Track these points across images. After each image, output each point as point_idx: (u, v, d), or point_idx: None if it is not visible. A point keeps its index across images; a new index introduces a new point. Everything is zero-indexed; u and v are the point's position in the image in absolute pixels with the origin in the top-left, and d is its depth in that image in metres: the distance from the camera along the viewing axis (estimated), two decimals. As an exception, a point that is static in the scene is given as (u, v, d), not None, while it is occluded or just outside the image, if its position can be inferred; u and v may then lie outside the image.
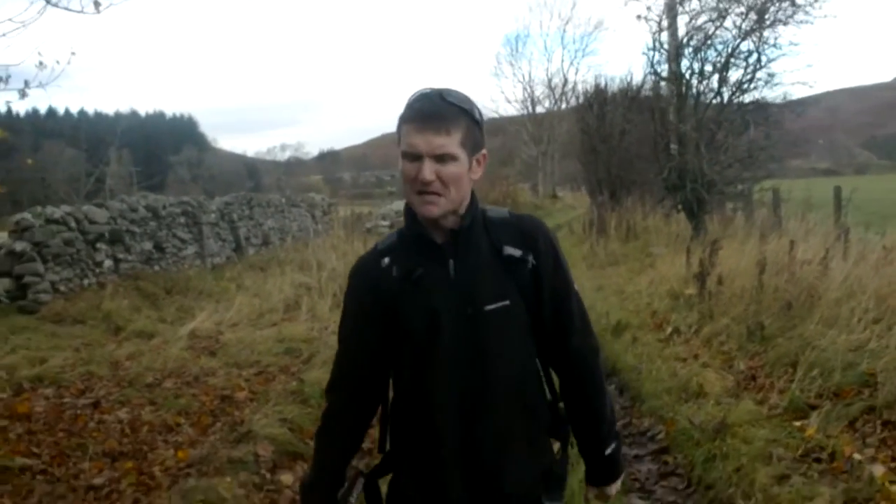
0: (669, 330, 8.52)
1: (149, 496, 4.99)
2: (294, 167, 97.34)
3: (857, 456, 4.56)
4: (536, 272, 2.10)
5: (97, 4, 5.82)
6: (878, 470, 4.32)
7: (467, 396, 2.06)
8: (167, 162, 71.53)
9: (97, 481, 5.22)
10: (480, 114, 2.09)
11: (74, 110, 77.29)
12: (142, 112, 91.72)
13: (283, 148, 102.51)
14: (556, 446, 2.33)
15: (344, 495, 2.23)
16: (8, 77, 5.94)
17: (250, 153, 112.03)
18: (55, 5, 5.71)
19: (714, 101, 14.12)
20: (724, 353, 7.35)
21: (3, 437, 5.90)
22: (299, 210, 20.76)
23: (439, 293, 2.06)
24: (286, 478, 5.51)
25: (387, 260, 2.13)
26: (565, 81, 60.85)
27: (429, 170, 1.95)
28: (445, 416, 2.07)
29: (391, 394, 2.25)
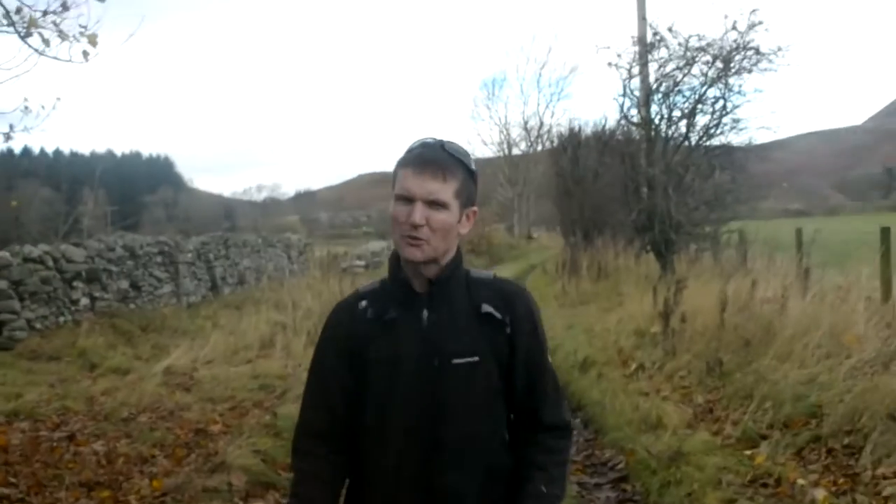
0: (634, 366, 8.78)
1: (123, 524, 5.15)
2: (270, 207, 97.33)
3: (801, 481, 4.82)
4: (512, 336, 2.07)
5: (86, 54, 6.06)
6: (820, 493, 4.58)
7: (426, 448, 2.04)
8: (143, 202, 71.57)
9: (77, 507, 5.39)
10: (475, 170, 2.11)
11: (50, 150, 77.06)
12: (118, 152, 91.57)
13: (260, 189, 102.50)
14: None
15: None
16: None
17: (227, 193, 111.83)
18: (42, 54, 5.94)
19: (682, 146, 14.53)
20: (684, 387, 7.62)
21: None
22: (275, 250, 20.98)
23: (408, 340, 2.05)
24: (257, 505, 5.69)
25: (364, 303, 2.13)
26: (541, 124, 61.71)
27: (419, 213, 1.97)
28: (401, 465, 2.05)
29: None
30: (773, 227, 16.48)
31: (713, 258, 15.23)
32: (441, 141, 2.07)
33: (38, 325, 11.70)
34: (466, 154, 2.09)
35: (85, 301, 12.75)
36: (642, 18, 15.07)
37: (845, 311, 7.91)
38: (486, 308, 2.05)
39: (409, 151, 2.06)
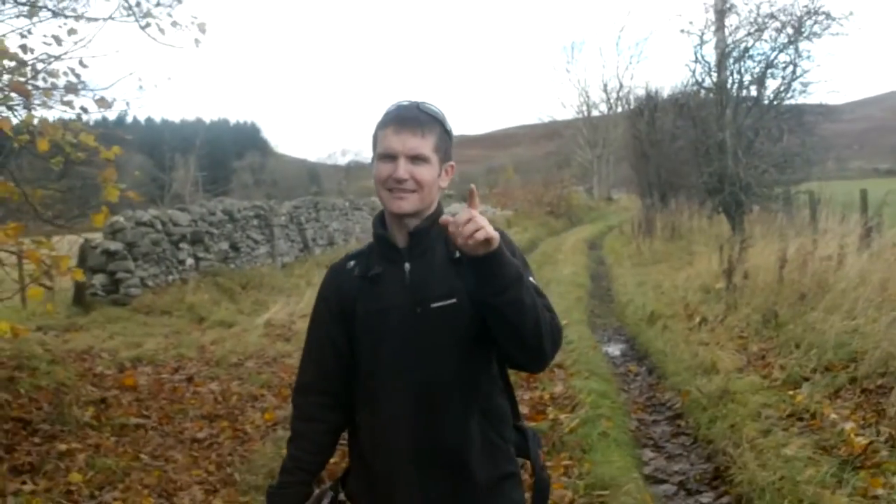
0: (697, 319, 9.38)
1: (243, 446, 6.07)
2: (354, 171, 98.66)
3: (833, 415, 5.45)
4: None
5: (197, 42, 6.92)
6: (848, 425, 5.21)
7: (419, 396, 2.09)
8: (231, 167, 73.60)
9: (200, 435, 6.33)
10: (450, 129, 2.20)
11: (142, 118, 79.75)
12: (206, 120, 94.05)
13: (344, 153, 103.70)
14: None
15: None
16: (113, 100, 6.89)
17: (311, 158, 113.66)
18: (157, 41, 6.81)
19: (752, 110, 14.88)
20: (741, 337, 8.22)
21: (118, 403, 7.01)
22: (362, 213, 21.94)
23: (392, 293, 2.12)
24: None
25: (352, 262, 2.24)
26: (620, 86, 61.26)
27: (403, 168, 2.05)
28: (397, 414, 2.10)
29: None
30: (854, 186, 16.67)
31: (785, 218, 15.58)
32: (416, 102, 2.16)
33: (149, 283, 12.82)
34: (441, 113, 2.18)
35: (190, 261, 13.85)
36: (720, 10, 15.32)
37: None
38: (459, 254, 2.02)
39: (387, 113, 2.15)
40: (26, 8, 6.71)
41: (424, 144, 2.08)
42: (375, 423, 2.15)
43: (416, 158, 2.06)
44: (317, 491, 2.24)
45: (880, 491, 4.15)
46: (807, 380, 6.30)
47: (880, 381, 5.81)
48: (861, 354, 6.27)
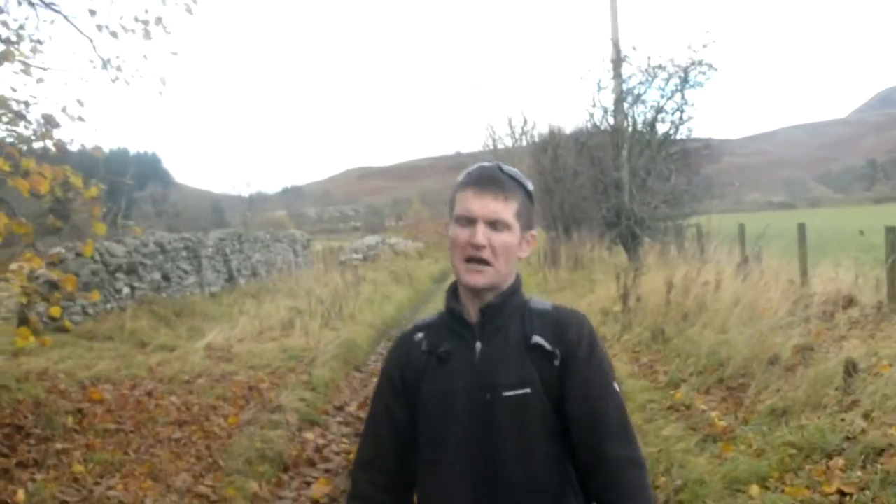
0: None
1: (216, 442, 7.08)
2: (258, 202, 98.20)
3: (703, 407, 6.81)
4: (563, 367, 1.95)
5: (161, 94, 7.96)
6: (714, 414, 6.56)
7: (481, 491, 1.95)
8: (132, 198, 73.09)
9: (175, 436, 7.30)
10: (532, 193, 2.08)
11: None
12: (105, 149, 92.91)
13: (248, 184, 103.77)
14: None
15: None
16: (71, 140, 7.65)
17: (214, 190, 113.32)
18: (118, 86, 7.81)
19: (644, 152, 16.54)
20: (635, 351, 9.62)
21: (92, 413, 7.91)
22: (282, 245, 22.89)
23: (460, 373, 1.99)
24: (309, 435, 7.64)
25: (420, 335, 2.10)
26: (525, 121, 63.34)
27: (482, 233, 1.93)
28: (459, 501, 1.97)
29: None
30: (747, 219, 18.41)
31: (677, 249, 17.22)
32: (498, 163, 2.04)
33: (90, 311, 13.57)
34: (523, 176, 2.05)
35: (126, 290, 14.63)
36: (615, 42, 16.98)
37: (763, 288, 9.90)
38: (536, 339, 1.96)
39: (468, 173, 2.03)
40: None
41: (507, 209, 1.96)
42: None
43: (497, 224, 1.95)
44: None
45: (731, 454, 5.47)
46: (684, 381, 7.68)
47: (741, 380, 7.22)
48: (727, 360, 7.68)
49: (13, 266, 7.00)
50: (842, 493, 4.46)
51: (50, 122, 6.14)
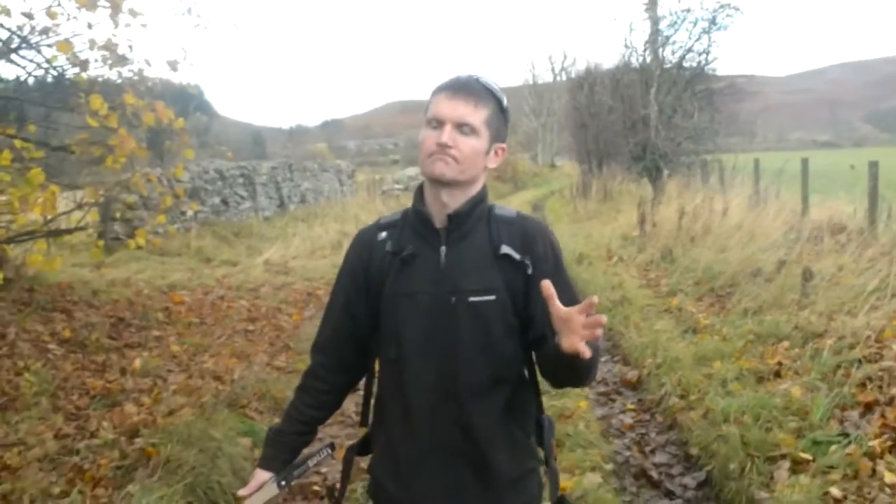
0: (615, 259, 11.98)
1: (285, 333, 8.48)
2: (298, 135, 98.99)
3: (692, 309, 8.06)
4: (532, 277, 2.02)
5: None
6: (701, 316, 7.81)
7: (446, 388, 2.05)
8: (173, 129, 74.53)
9: (250, 328, 8.71)
10: (509, 111, 2.11)
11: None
12: (127, 71, 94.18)
13: (288, 116, 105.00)
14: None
15: (308, 456, 2.27)
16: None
17: (255, 122, 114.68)
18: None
19: (671, 90, 17.54)
20: (645, 269, 10.84)
21: (177, 312, 9.33)
22: (328, 174, 24.23)
23: (425, 276, 2.05)
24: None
25: (384, 234, 2.14)
26: (564, 57, 63.75)
27: (448, 134, 1.96)
28: (422, 403, 2.07)
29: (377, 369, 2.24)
30: (781, 157, 19.30)
31: (702, 182, 18.28)
32: (476, 75, 2.07)
33: (159, 231, 15.04)
34: (499, 90, 2.07)
35: (190, 213, 16.08)
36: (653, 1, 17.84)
37: (763, 216, 11.06)
38: (505, 249, 2.04)
39: (444, 81, 2.07)
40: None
41: (475, 114, 1.98)
42: (400, 409, 2.11)
43: (464, 127, 1.97)
44: (314, 447, 2.33)
45: (707, 341, 6.74)
46: (682, 291, 8.92)
47: (728, 290, 8.44)
48: (720, 274, 8.90)
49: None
50: (780, 364, 5.73)
51: (173, 66, 7.25)
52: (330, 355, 2.26)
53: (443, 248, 2.06)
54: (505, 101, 2.09)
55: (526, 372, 2.17)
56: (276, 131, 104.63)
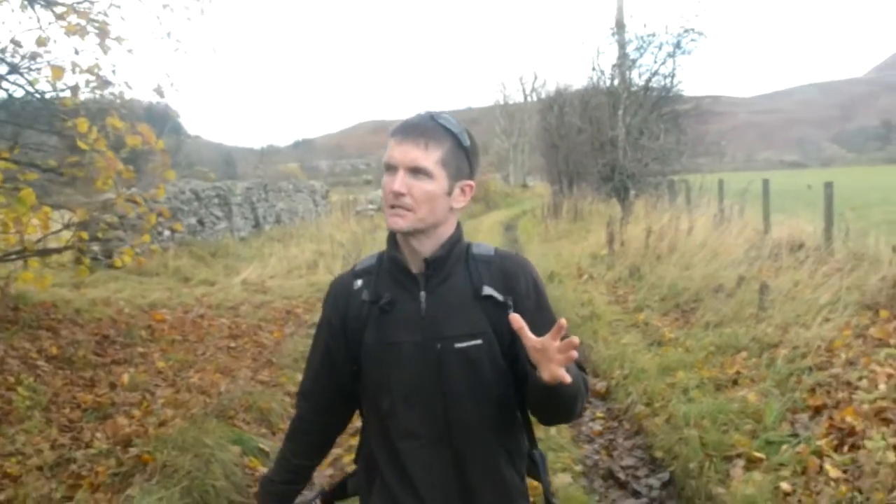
0: (585, 277, 12.35)
1: (266, 349, 8.75)
2: (269, 155, 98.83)
3: (658, 324, 8.43)
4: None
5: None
6: (666, 329, 8.18)
7: (434, 435, 2.01)
8: (142, 150, 74.20)
9: (231, 345, 8.98)
10: (472, 144, 2.01)
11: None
12: (108, 94, 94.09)
13: (259, 136, 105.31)
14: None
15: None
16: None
17: (226, 142, 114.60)
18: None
19: (638, 112, 18.07)
20: (614, 286, 11.21)
21: (160, 329, 9.57)
22: (303, 195, 24.53)
23: (406, 326, 1.99)
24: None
25: (360, 282, 2.09)
26: (535, 77, 64.54)
27: (400, 181, 1.90)
28: (410, 452, 2.03)
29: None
30: (749, 177, 19.83)
31: (668, 202, 18.78)
32: (432, 112, 1.99)
33: (137, 250, 15.24)
34: (459, 126, 1.99)
35: (167, 233, 16.30)
36: (619, 9, 18.40)
37: (725, 234, 11.50)
38: (487, 290, 1.99)
39: (397, 124, 1.99)
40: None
41: (426, 157, 1.91)
42: (391, 456, 2.06)
43: (417, 171, 1.91)
44: (305, 494, 2.31)
45: (671, 353, 7.11)
46: (648, 307, 9.30)
47: (693, 305, 8.83)
48: (684, 290, 9.29)
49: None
50: (738, 373, 6.10)
51: (159, 92, 7.52)
52: (314, 403, 2.24)
53: (422, 294, 2.00)
54: (464, 137, 1.99)
55: (518, 413, 2.13)
56: (247, 151, 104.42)
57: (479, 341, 1.98)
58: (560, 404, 1.90)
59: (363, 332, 2.04)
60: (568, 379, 1.71)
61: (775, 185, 16.55)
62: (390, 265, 2.06)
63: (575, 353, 1.71)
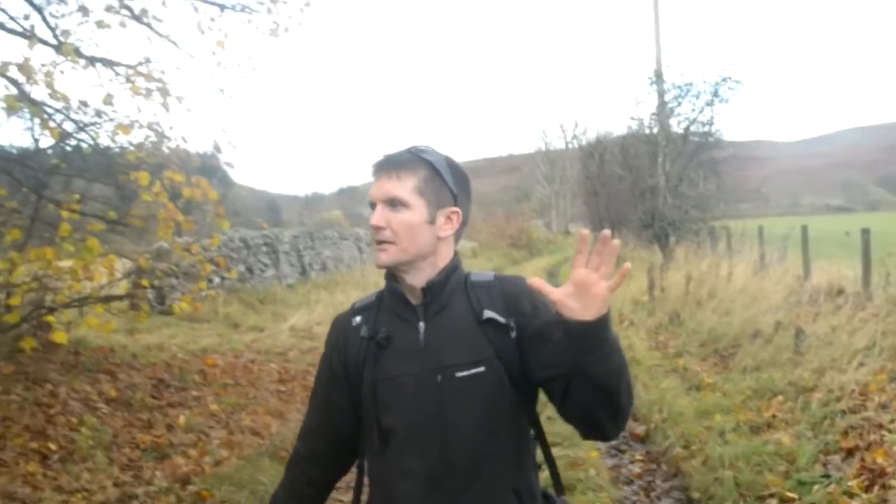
0: (626, 323, 12.53)
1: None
2: (314, 202, 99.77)
3: (697, 369, 8.59)
4: (520, 338, 1.87)
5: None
6: (705, 374, 8.34)
7: (440, 477, 1.87)
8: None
9: (281, 388, 9.28)
10: (454, 170, 1.96)
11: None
12: (165, 149, 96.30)
13: (303, 183, 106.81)
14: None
15: None
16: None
17: (270, 189, 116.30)
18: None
19: (678, 160, 18.31)
20: (655, 332, 11.38)
21: (212, 374, 9.91)
22: (347, 242, 24.98)
23: (406, 358, 1.90)
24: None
25: (358, 319, 2.02)
26: (576, 125, 64.97)
27: (378, 215, 1.87)
28: (408, 496, 1.90)
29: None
30: (793, 222, 19.93)
31: (710, 248, 18.91)
32: (412, 146, 1.96)
33: (193, 297, 15.71)
34: (435, 153, 1.95)
35: (217, 280, 16.76)
36: (659, 75, 18.75)
37: (765, 280, 11.62)
38: (489, 313, 1.90)
39: None
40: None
41: (400, 187, 1.87)
42: (391, 497, 1.95)
43: (393, 202, 1.87)
44: None
45: (709, 397, 7.27)
46: (688, 352, 9.46)
47: (731, 350, 8.99)
48: (723, 336, 9.44)
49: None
50: (774, 416, 6.26)
51: (217, 148, 7.93)
52: (311, 446, 2.15)
53: (421, 325, 1.92)
54: (441, 164, 1.93)
55: (529, 448, 2.00)
56: (291, 199, 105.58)
57: (481, 368, 1.86)
58: (607, 374, 1.64)
59: (362, 369, 1.96)
60: (625, 272, 1.61)
61: (819, 230, 16.63)
62: (389, 298, 1.99)
63: (618, 248, 1.59)
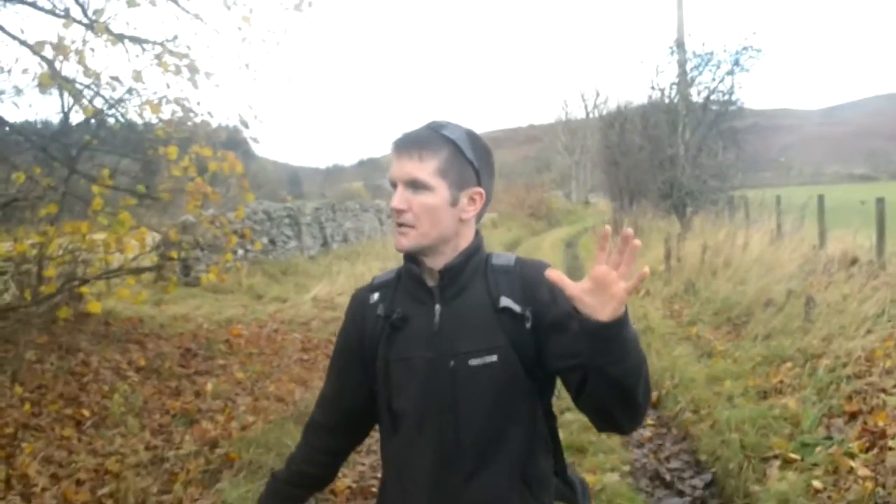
0: (642, 292, 12.70)
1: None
2: (334, 174, 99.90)
3: (710, 337, 8.78)
4: (535, 329, 1.83)
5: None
6: (717, 342, 8.53)
7: (448, 460, 1.86)
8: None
9: (304, 357, 9.55)
10: (479, 149, 1.90)
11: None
12: (190, 124, 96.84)
13: (324, 155, 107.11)
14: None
15: None
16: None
17: (291, 161, 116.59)
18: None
19: (697, 130, 18.35)
20: (670, 301, 11.55)
21: (237, 343, 10.19)
22: (369, 214, 25.24)
23: (419, 341, 1.88)
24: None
25: (376, 296, 2.00)
26: (597, 94, 64.67)
27: (399, 197, 1.83)
28: (423, 479, 1.89)
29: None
30: (815, 191, 19.93)
31: (728, 218, 18.99)
32: (435, 122, 1.90)
33: (219, 268, 16.02)
34: (457, 128, 1.89)
35: (241, 252, 17.05)
36: (680, 44, 18.75)
37: (781, 249, 11.76)
38: (505, 301, 1.85)
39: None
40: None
41: (422, 169, 1.81)
42: (399, 485, 1.95)
43: (415, 184, 1.81)
44: None
45: (720, 364, 7.47)
46: (701, 321, 9.64)
47: (744, 319, 9.16)
48: (736, 304, 9.61)
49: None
50: (781, 382, 6.46)
51: (244, 123, 8.12)
52: (327, 415, 2.14)
53: (437, 307, 1.88)
54: (465, 143, 1.87)
55: (541, 434, 1.96)
56: (313, 171, 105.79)
57: (494, 357, 1.83)
58: (624, 373, 1.62)
59: (377, 347, 1.95)
60: (644, 274, 1.60)
61: (839, 199, 16.63)
62: (406, 278, 1.96)
63: (639, 247, 1.58)
